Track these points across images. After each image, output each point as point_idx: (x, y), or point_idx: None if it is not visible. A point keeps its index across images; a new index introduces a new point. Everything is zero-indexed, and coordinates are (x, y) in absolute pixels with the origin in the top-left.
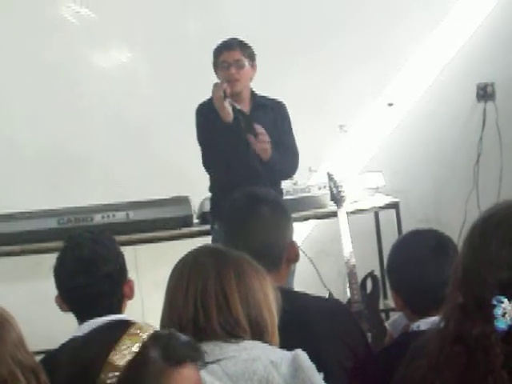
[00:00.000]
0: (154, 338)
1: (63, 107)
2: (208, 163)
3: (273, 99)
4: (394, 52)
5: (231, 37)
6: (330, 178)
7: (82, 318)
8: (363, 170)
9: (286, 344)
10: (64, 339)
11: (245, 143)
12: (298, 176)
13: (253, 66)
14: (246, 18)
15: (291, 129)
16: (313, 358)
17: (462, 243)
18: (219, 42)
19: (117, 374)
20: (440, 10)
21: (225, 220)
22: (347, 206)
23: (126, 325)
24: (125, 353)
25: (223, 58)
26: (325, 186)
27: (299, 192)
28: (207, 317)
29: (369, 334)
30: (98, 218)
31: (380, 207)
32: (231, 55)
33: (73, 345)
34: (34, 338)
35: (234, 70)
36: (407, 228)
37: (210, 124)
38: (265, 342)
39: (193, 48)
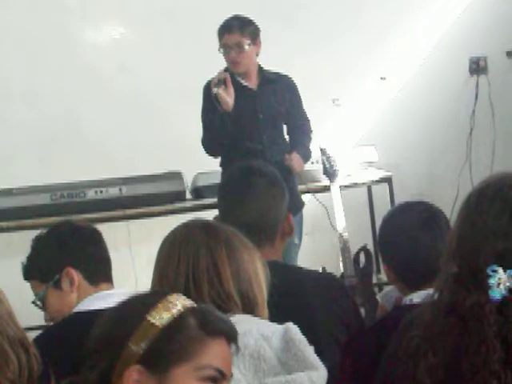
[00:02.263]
0: (194, 308)
1: (55, 82)
2: (204, 142)
3: (280, 74)
4: (387, 26)
5: (232, 14)
6: (323, 152)
7: None
8: (356, 144)
9: (279, 317)
10: None
11: (254, 120)
12: None
13: (256, 44)
14: None
15: (301, 99)
16: (305, 331)
17: (455, 215)
18: (214, 17)
19: (152, 333)
20: None
21: (221, 193)
22: (340, 181)
23: (164, 294)
24: (163, 315)
25: (224, 40)
26: (318, 161)
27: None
28: (198, 291)
29: (362, 308)
30: (91, 194)
31: (373, 181)
32: (231, 38)
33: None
34: (26, 313)
35: (235, 54)
36: (400, 202)
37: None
38: (255, 316)
39: (186, 23)
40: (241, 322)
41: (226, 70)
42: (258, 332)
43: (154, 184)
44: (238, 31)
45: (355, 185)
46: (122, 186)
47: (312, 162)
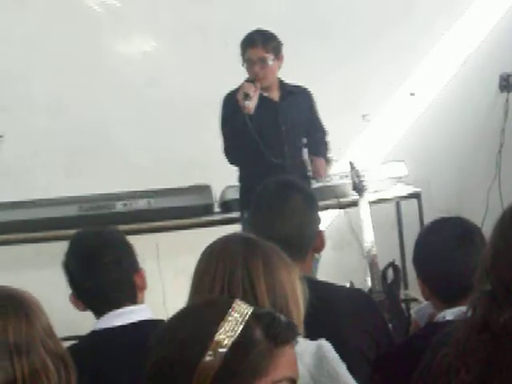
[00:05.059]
0: (257, 317)
1: (85, 95)
2: (226, 151)
3: (299, 86)
4: (417, 42)
5: (257, 28)
6: (352, 167)
7: (98, 312)
8: (385, 159)
9: (310, 334)
10: (86, 326)
11: (276, 132)
12: None
13: (279, 58)
14: (274, 6)
15: (317, 111)
16: (335, 347)
17: (485, 232)
18: (245, 31)
19: (222, 352)
20: (463, 1)
21: (255, 206)
22: (369, 196)
23: (226, 304)
24: (230, 333)
25: (248, 55)
26: (347, 176)
27: (321, 181)
28: None
29: (389, 324)
30: (119, 206)
31: (402, 197)
32: (255, 53)
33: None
34: (57, 325)
35: (258, 69)
36: (429, 218)
37: (235, 114)
38: None
39: (217, 37)
40: None
41: (248, 80)
42: None
43: (182, 197)
44: (261, 46)
45: (384, 200)
46: (151, 199)
47: (341, 177)
